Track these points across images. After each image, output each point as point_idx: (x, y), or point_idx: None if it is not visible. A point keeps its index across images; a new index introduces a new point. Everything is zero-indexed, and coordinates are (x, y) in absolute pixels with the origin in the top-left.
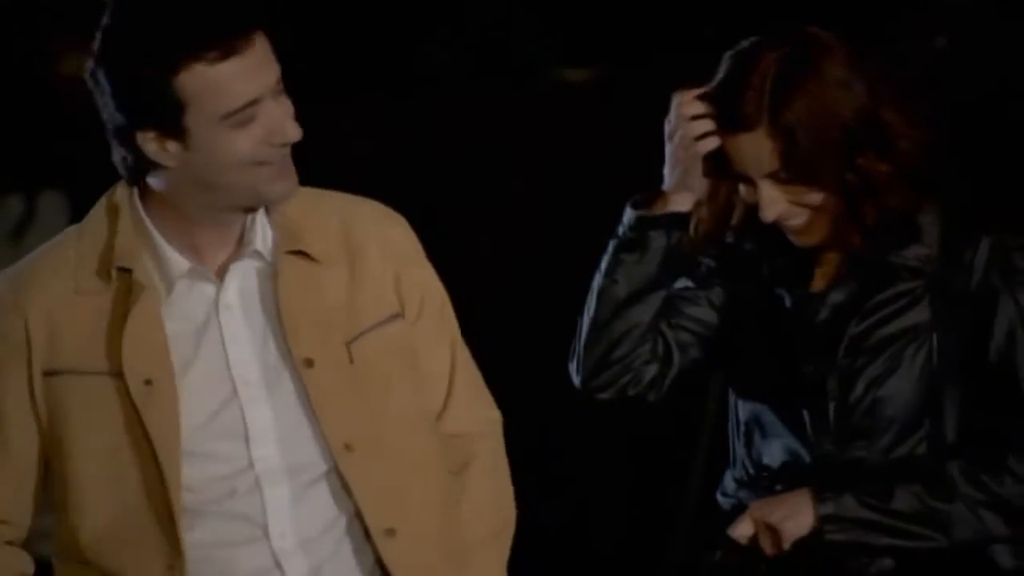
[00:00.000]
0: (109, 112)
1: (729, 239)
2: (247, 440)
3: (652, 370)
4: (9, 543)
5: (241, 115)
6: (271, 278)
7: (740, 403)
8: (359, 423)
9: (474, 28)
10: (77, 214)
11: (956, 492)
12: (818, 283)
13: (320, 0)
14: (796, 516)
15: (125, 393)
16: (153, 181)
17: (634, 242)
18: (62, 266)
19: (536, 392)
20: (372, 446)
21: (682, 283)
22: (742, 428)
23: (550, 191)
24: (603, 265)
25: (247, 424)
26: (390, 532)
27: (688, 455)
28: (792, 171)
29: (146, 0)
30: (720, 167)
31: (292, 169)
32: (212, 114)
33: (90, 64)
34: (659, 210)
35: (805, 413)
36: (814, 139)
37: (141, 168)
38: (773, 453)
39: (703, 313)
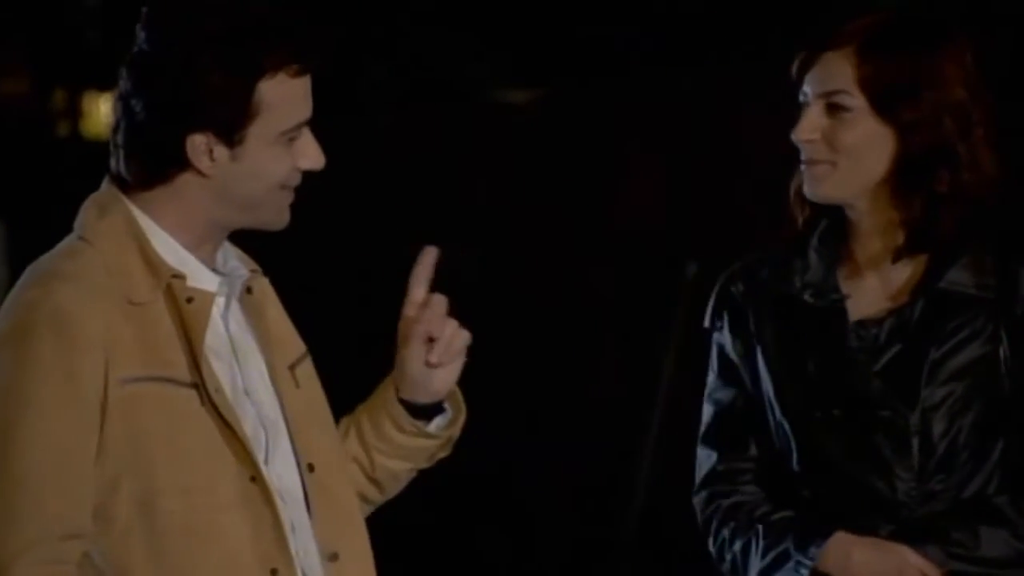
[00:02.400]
0: (157, 108)
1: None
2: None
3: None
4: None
5: (292, 134)
6: (243, 295)
7: (791, 435)
8: (315, 445)
9: (417, 50)
10: None
11: None
12: (864, 307)
13: None
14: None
15: (206, 402)
16: (166, 190)
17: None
18: (99, 276)
19: (486, 412)
20: (324, 469)
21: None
22: (794, 459)
23: (494, 209)
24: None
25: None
26: (333, 557)
27: (632, 472)
28: (867, 87)
29: (237, 5)
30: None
31: None
32: (274, 127)
33: (143, 51)
34: None
35: (884, 447)
36: (904, 72)
37: (163, 173)
38: (837, 487)
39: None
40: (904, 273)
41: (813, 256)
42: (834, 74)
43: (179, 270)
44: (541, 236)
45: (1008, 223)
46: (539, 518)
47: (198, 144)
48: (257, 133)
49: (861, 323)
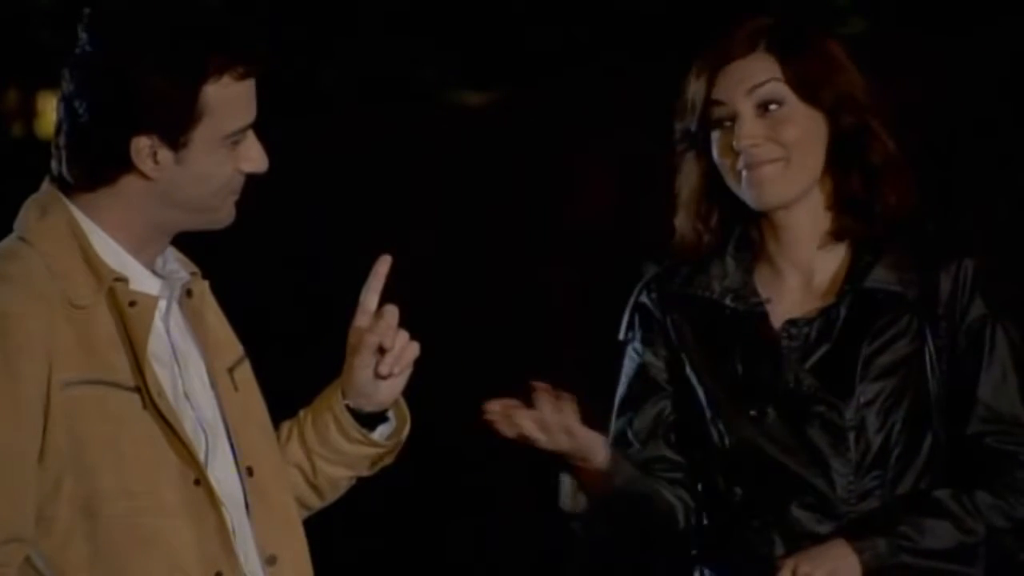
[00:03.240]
0: (100, 109)
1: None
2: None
3: (680, 508)
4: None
5: (235, 138)
6: (182, 298)
7: (725, 434)
8: (254, 448)
9: (371, 52)
10: None
11: (985, 522)
12: (791, 307)
13: None
14: (844, 569)
15: (148, 405)
16: (109, 192)
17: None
18: (40, 278)
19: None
20: (263, 472)
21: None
22: (727, 459)
23: (448, 211)
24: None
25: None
26: (271, 560)
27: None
28: (791, 78)
29: (180, 7)
30: (697, 172)
31: None
32: (219, 131)
33: (86, 52)
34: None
35: (821, 443)
36: (814, 59)
37: (106, 175)
38: (773, 486)
39: (667, 406)
40: (827, 272)
41: (730, 262)
42: (756, 72)
43: (121, 273)
44: (495, 237)
45: (926, 223)
46: (493, 518)
47: (142, 147)
48: (201, 137)
49: (792, 322)
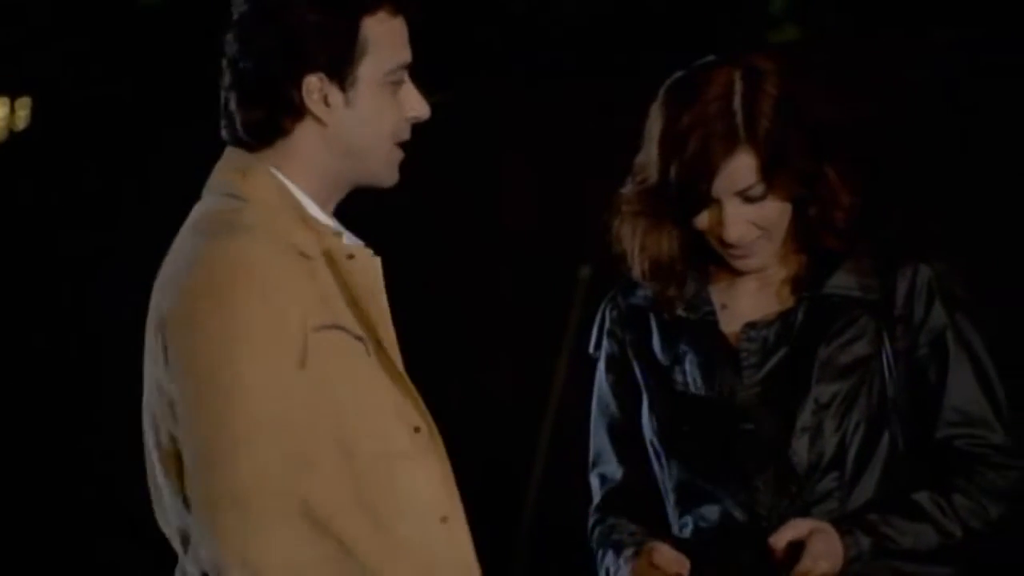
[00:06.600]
0: (267, 57)
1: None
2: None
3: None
4: None
5: (396, 75)
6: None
7: (662, 455)
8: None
9: None
10: None
11: (962, 525)
12: (749, 311)
13: (158, 32)
14: (834, 554)
15: (372, 354)
16: (286, 145)
17: None
18: (275, 228)
19: None
20: (430, 431)
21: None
22: (682, 481)
23: (384, 213)
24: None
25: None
26: (444, 519)
27: (526, 476)
28: (769, 181)
29: None
30: (660, 208)
31: None
32: (380, 67)
33: (244, 13)
34: None
35: (745, 462)
36: (786, 147)
37: (282, 126)
38: (705, 504)
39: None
40: (786, 276)
41: (689, 272)
42: (743, 176)
43: (336, 227)
44: (432, 240)
45: (886, 228)
46: None
47: (313, 88)
48: (366, 74)
49: (752, 324)
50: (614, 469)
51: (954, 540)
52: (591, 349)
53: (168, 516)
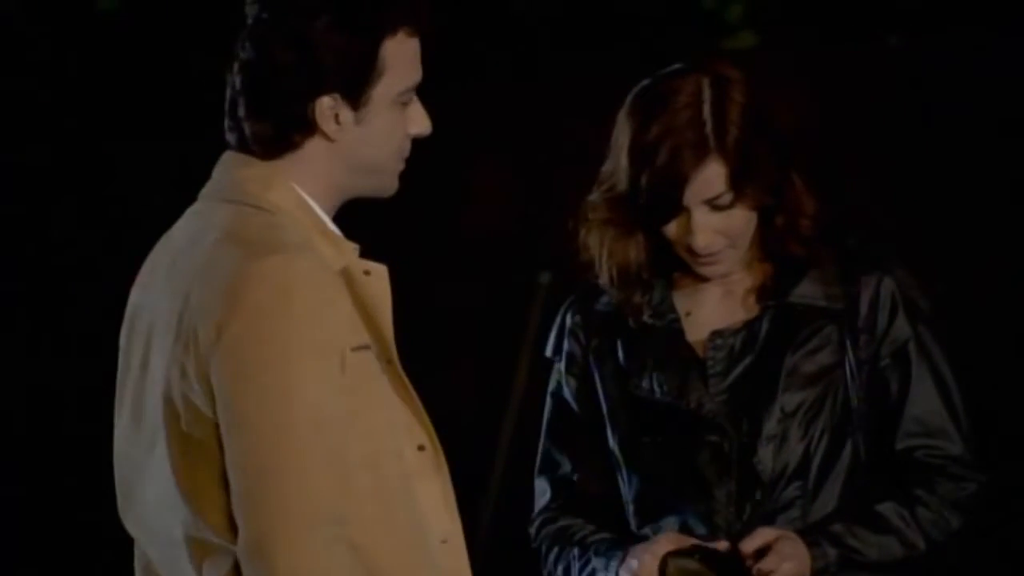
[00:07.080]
0: (282, 76)
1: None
2: None
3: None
4: None
5: (408, 96)
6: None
7: (622, 466)
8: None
9: None
10: None
11: (924, 537)
12: (716, 319)
13: (126, 41)
14: (802, 565)
15: (386, 371)
16: (295, 159)
17: None
18: (309, 242)
19: None
20: (433, 449)
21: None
22: (648, 485)
23: (343, 219)
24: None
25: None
26: (443, 540)
27: (486, 481)
28: (738, 190)
29: None
30: (627, 216)
31: None
32: (395, 88)
33: (259, 22)
34: None
35: (707, 472)
36: (754, 155)
37: (291, 140)
38: (664, 512)
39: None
40: (751, 284)
41: (655, 279)
42: (709, 184)
43: (352, 243)
44: (392, 243)
45: (849, 239)
46: None
47: (325, 108)
48: (379, 95)
49: (718, 332)
50: (568, 473)
51: (918, 552)
52: (549, 352)
53: (150, 521)
